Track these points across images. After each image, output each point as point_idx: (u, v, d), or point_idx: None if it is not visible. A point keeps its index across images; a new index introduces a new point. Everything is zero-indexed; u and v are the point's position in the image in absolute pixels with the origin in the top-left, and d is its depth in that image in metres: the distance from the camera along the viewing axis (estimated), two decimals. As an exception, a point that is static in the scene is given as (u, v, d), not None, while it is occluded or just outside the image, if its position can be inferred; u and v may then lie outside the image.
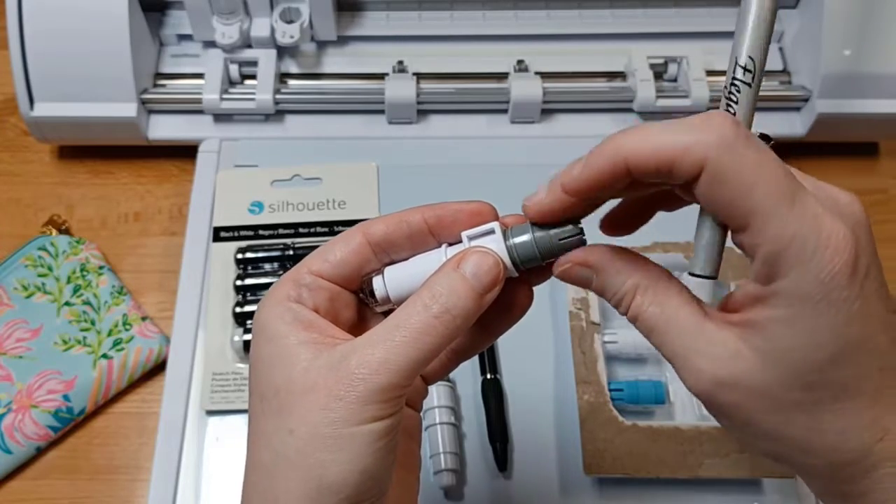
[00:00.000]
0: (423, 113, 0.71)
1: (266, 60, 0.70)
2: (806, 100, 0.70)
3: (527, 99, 0.69)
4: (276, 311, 0.33)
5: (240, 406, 0.58)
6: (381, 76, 0.70)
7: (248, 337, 0.58)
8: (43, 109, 0.67)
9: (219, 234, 0.64)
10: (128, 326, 0.62)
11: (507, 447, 0.56)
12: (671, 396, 0.57)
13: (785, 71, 0.72)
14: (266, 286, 0.61)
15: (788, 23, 0.73)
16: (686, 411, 0.57)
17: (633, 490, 0.55)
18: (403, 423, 0.33)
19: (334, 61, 0.73)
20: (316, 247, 0.35)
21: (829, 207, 0.28)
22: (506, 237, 0.33)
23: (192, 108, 0.69)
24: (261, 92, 0.68)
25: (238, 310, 0.60)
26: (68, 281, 0.63)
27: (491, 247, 0.32)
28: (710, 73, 0.69)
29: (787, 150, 0.70)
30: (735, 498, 0.55)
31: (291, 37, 0.69)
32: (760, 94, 0.31)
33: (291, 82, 0.71)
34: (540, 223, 0.33)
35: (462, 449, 0.56)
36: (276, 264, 0.62)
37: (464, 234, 0.33)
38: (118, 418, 0.61)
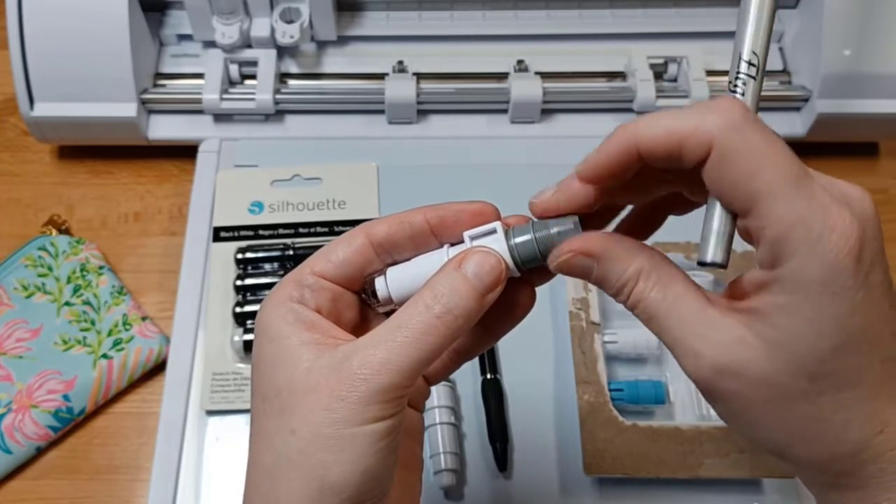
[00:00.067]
0: (423, 113, 0.71)
1: (266, 60, 0.70)
2: (806, 100, 0.70)
3: (527, 99, 0.69)
4: (278, 312, 0.33)
5: (240, 406, 0.58)
6: (381, 76, 0.70)
7: (248, 337, 0.58)
8: (43, 109, 0.67)
9: (219, 234, 0.64)
10: (128, 326, 0.62)
11: (507, 447, 0.56)
12: (671, 396, 0.57)
13: (785, 71, 0.72)
14: (266, 286, 0.61)
15: (788, 23, 0.73)
16: (686, 411, 0.57)
17: (633, 490, 0.55)
18: (405, 424, 0.33)
19: (334, 61, 0.73)
20: (316, 247, 0.35)
21: (837, 197, 0.28)
22: (508, 237, 0.33)
23: (192, 108, 0.69)
24: (261, 92, 0.68)
25: (238, 310, 0.60)
26: (68, 281, 0.63)
27: (493, 247, 0.32)
28: (710, 73, 0.69)
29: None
30: (735, 498, 0.55)
31: (291, 37, 0.69)
32: (760, 94, 0.31)
33: (291, 82, 0.71)
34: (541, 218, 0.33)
35: (462, 449, 0.56)
36: (276, 264, 0.62)
37: (466, 235, 0.33)
38: (118, 418, 0.61)
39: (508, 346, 0.59)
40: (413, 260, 0.34)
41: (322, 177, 0.67)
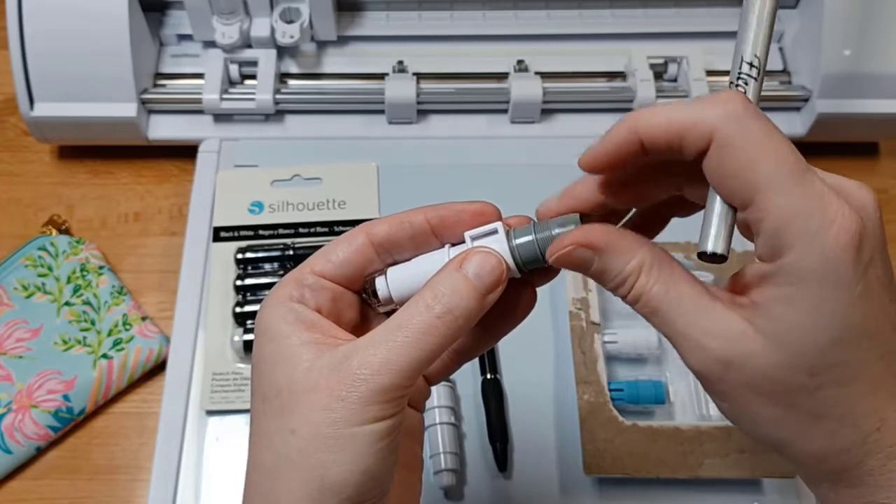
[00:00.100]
0: (423, 113, 0.71)
1: (266, 60, 0.70)
2: (806, 100, 0.70)
3: (527, 99, 0.69)
4: (278, 312, 0.33)
5: (240, 406, 0.58)
6: (381, 76, 0.70)
7: (248, 337, 0.58)
8: (43, 109, 0.67)
9: (219, 234, 0.64)
10: (128, 326, 0.62)
11: (507, 447, 0.56)
12: (671, 396, 0.57)
13: (785, 71, 0.73)
14: (266, 286, 0.61)
15: (788, 23, 0.73)
16: (686, 411, 0.57)
17: (633, 490, 0.55)
18: (405, 424, 0.33)
19: (334, 61, 0.73)
20: (316, 247, 0.35)
21: (837, 191, 0.28)
22: (509, 238, 0.33)
23: (192, 108, 0.69)
24: (261, 92, 0.68)
25: (238, 310, 0.60)
26: (68, 281, 0.63)
27: (494, 247, 0.32)
28: (710, 73, 0.69)
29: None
30: (735, 498, 0.55)
31: (291, 37, 0.69)
32: (760, 94, 0.31)
33: (291, 82, 0.71)
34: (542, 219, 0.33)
35: (462, 449, 0.56)
36: (276, 264, 0.62)
37: (467, 235, 0.33)
38: (118, 418, 0.61)
39: (508, 346, 0.59)
40: (414, 260, 0.34)
41: (322, 177, 0.67)
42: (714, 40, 0.72)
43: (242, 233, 0.64)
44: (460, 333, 0.31)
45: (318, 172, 0.67)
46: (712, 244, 0.30)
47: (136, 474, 0.59)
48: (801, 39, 0.71)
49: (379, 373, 0.29)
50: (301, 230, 0.64)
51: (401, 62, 0.71)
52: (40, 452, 0.60)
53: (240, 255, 0.62)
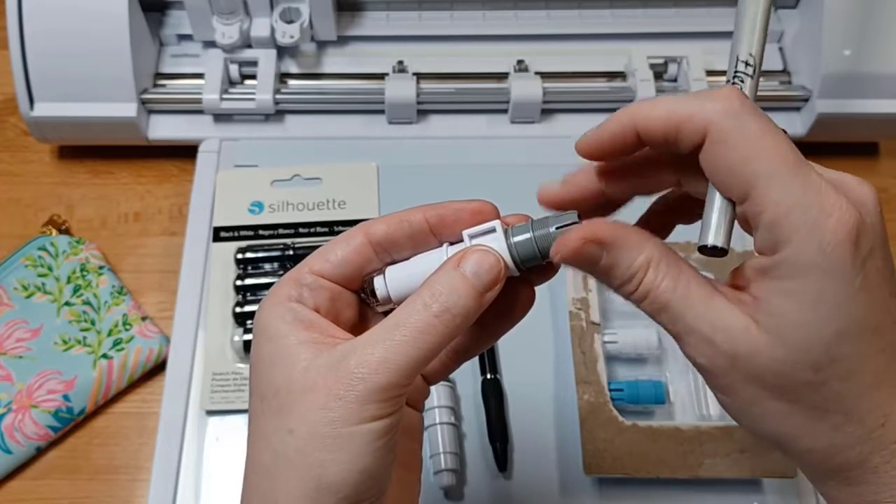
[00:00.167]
0: (423, 113, 0.71)
1: (266, 60, 0.70)
2: (806, 100, 0.70)
3: (527, 99, 0.69)
4: (276, 311, 0.33)
5: (240, 406, 0.58)
6: (381, 76, 0.70)
7: (248, 337, 0.58)
8: (43, 109, 0.67)
9: (219, 234, 0.64)
10: (128, 326, 0.62)
11: (507, 447, 0.56)
12: (671, 396, 0.57)
13: (785, 71, 0.72)
14: (266, 286, 0.61)
15: (788, 23, 0.73)
16: (686, 411, 0.57)
17: (633, 490, 0.55)
18: (404, 423, 0.33)
19: (334, 61, 0.73)
20: (316, 247, 0.35)
21: (835, 185, 0.28)
22: (507, 236, 0.32)
23: (192, 108, 0.69)
24: (261, 92, 0.68)
25: (238, 310, 0.60)
26: (68, 281, 0.63)
27: (492, 245, 0.32)
28: (710, 72, 0.69)
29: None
30: (735, 498, 0.55)
31: (291, 37, 0.69)
32: (760, 94, 0.32)
33: (291, 82, 0.71)
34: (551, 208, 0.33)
35: (462, 449, 0.56)
36: (276, 264, 0.62)
37: (465, 233, 0.33)
38: (118, 418, 0.61)
39: (508, 346, 0.60)
40: (412, 259, 0.34)
41: (322, 177, 0.67)
42: (714, 40, 0.72)
43: (242, 233, 0.64)
44: (458, 332, 0.31)
45: (318, 172, 0.67)
46: (713, 237, 0.30)
47: (136, 474, 0.59)
48: (801, 39, 0.71)
49: (377, 372, 0.29)
50: (301, 230, 0.64)
51: (401, 62, 0.71)
52: (40, 452, 0.60)
53: (240, 255, 0.62)
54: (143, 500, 0.58)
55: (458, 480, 0.55)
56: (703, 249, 0.30)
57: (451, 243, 0.34)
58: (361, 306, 0.35)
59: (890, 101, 0.68)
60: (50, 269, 0.64)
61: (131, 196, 0.71)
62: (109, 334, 0.62)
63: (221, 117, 0.70)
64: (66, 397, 0.59)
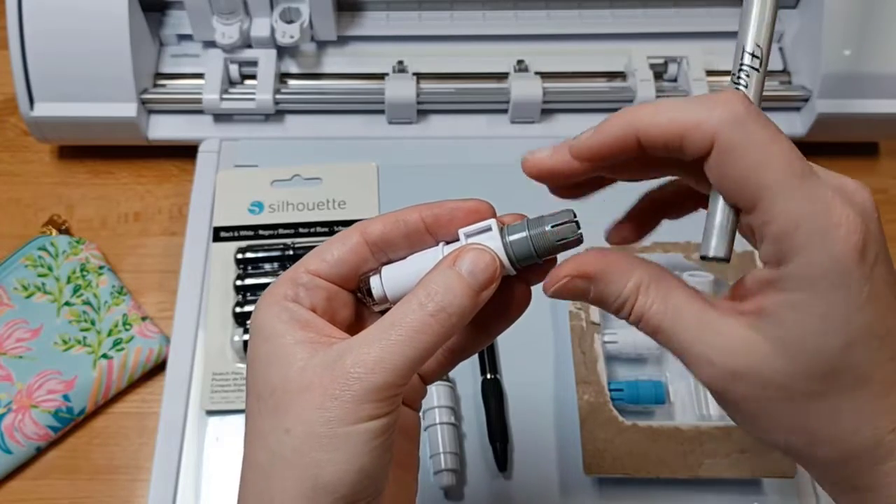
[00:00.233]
0: (423, 113, 0.71)
1: (266, 60, 0.70)
2: (806, 100, 0.70)
3: (527, 99, 0.69)
4: (272, 311, 0.33)
5: (240, 406, 0.58)
6: (381, 76, 0.70)
7: (248, 337, 0.58)
8: (43, 109, 0.67)
9: (219, 234, 0.64)
10: (128, 326, 0.62)
11: (507, 447, 0.56)
12: (671, 396, 0.57)
13: (785, 71, 0.72)
14: (266, 286, 0.61)
15: (788, 23, 0.73)
16: (686, 411, 0.57)
17: (633, 490, 0.55)
18: (401, 423, 0.33)
19: (334, 61, 0.73)
20: (316, 247, 0.35)
21: (839, 192, 0.28)
22: (503, 234, 0.32)
23: (192, 108, 0.69)
24: (261, 92, 0.68)
25: (238, 310, 0.60)
26: (68, 281, 0.64)
27: (488, 244, 0.32)
28: (710, 73, 0.69)
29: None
30: (735, 498, 0.55)
31: (291, 37, 0.69)
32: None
33: (291, 82, 0.71)
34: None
35: (462, 449, 0.56)
36: (276, 264, 0.62)
37: (461, 232, 0.33)
38: (118, 418, 0.61)
39: (508, 346, 0.60)
40: (408, 258, 0.34)
41: (322, 177, 0.67)
42: (714, 40, 0.72)
43: (242, 233, 0.64)
44: (454, 331, 0.31)
45: (318, 172, 0.67)
46: (714, 249, 0.30)
47: (136, 474, 0.59)
48: (801, 39, 0.71)
49: (373, 371, 0.29)
50: (301, 230, 0.64)
51: (401, 62, 0.71)
52: (40, 452, 0.60)
53: (240, 255, 0.62)
54: (143, 500, 0.58)
55: (458, 480, 0.55)
56: (706, 258, 0.30)
57: (448, 242, 0.34)
58: (358, 306, 0.35)
59: (890, 101, 0.68)
60: (50, 269, 0.64)
61: (131, 196, 0.71)
62: (109, 334, 0.62)
63: (221, 117, 0.70)
64: (66, 397, 0.59)
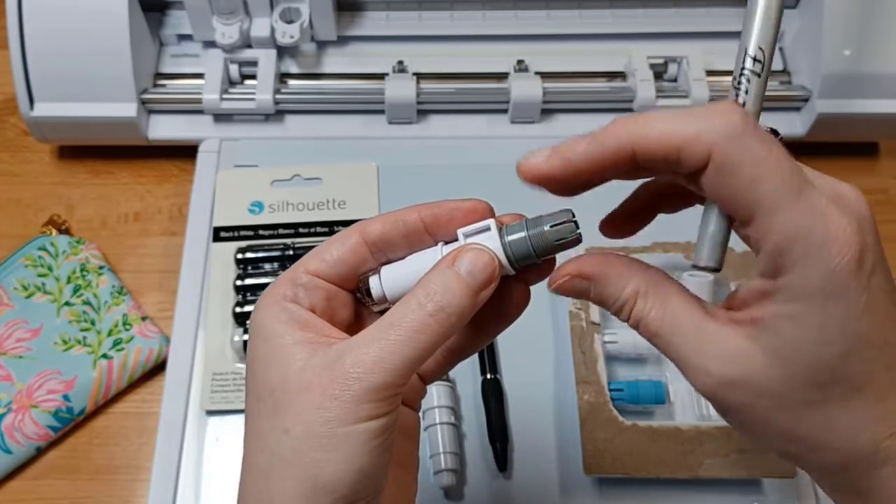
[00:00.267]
0: (423, 113, 0.71)
1: (266, 60, 0.70)
2: (806, 100, 0.70)
3: (527, 99, 0.69)
4: (272, 311, 0.33)
5: (240, 406, 0.58)
6: (381, 76, 0.70)
7: (248, 337, 0.58)
8: (43, 109, 0.67)
9: (219, 234, 0.64)
10: (128, 326, 0.62)
11: (507, 447, 0.56)
12: (671, 396, 0.57)
13: (785, 71, 0.72)
14: (266, 286, 0.61)
15: (788, 23, 0.73)
16: (686, 411, 0.57)
17: (633, 490, 0.55)
18: (401, 423, 0.33)
19: (334, 61, 0.73)
20: (315, 247, 0.35)
21: (835, 201, 0.28)
22: (501, 234, 0.32)
23: (192, 108, 0.69)
24: (261, 92, 0.68)
25: (238, 310, 0.60)
26: (68, 281, 0.64)
27: (486, 244, 0.32)
28: (710, 73, 0.69)
29: (787, 149, 0.70)
30: (735, 498, 0.55)
31: (291, 37, 0.69)
32: (765, 92, 0.31)
33: (291, 82, 0.71)
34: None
35: (462, 449, 0.56)
36: (276, 264, 0.62)
37: (459, 232, 0.33)
38: (118, 418, 0.61)
39: (508, 346, 0.60)
40: (407, 258, 0.34)
41: (322, 177, 0.67)
42: (714, 40, 0.72)
43: (242, 233, 0.64)
44: (453, 331, 0.31)
45: (318, 172, 0.67)
46: (706, 259, 0.30)
47: (136, 474, 0.59)
48: (801, 39, 0.71)
49: (372, 371, 0.29)
50: (301, 230, 0.64)
51: (401, 62, 0.71)
52: (40, 452, 0.60)
53: (240, 255, 0.62)
54: (143, 500, 0.58)
55: (458, 480, 0.55)
56: (697, 268, 0.30)
57: (446, 242, 0.34)
58: (357, 306, 0.35)
59: (890, 101, 0.68)
60: (50, 269, 0.64)
61: (131, 196, 0.71)
62: (109, 334, 0.62)
63: (221, 117, 0.70)
64: (66, 397, 0.59)
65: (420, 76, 0.70)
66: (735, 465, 0.53)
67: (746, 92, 0.30)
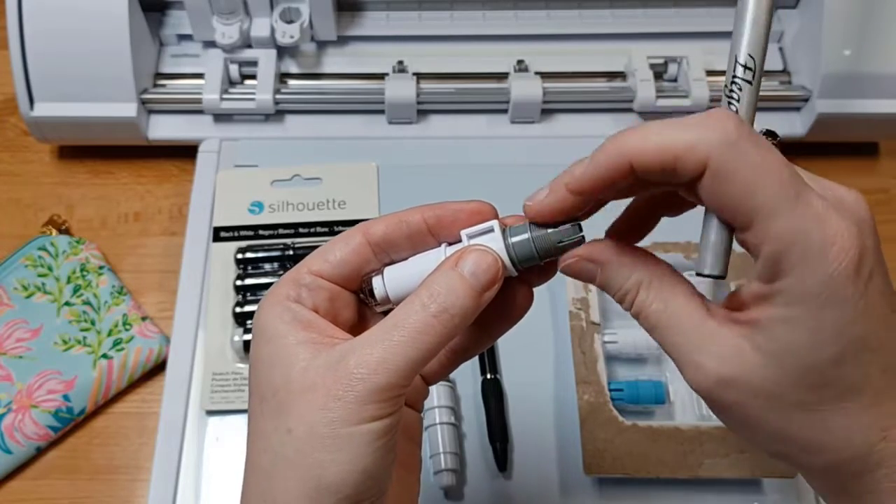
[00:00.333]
0: (423, 113, 0.71)
1: (266, 60, 0.70)
2: (806, 100, 0.70)
3: (527, 99, 0.69)
4: (275, 311, 0.33)
5: (240, 406, 0.58)
6: (381, 76, 0.70)
7: (248, 337, 0.58)
8: (43, 109, 0.67)
9: (219, 234, 0.64)
10: (128, 326, 0.62)
11: (507, 447, 0.56)
12: (671, 396, 0.57)
13: (785, 71, 0.72)
14: (266, 286, 0.61)
15: (788, 23, 0.73)
16: (686, 411, 0.57)
17: (633, 490, 0.55)
18: (404, 423, 0.33)
19: (334, 61, 0.73)
20: (316, 247, 0.35)
21: (834, 205, 0.28)
22: (504, 236, 0.33)
23: (192, 108, 0.69)
24: (261, 92, 0.68)
25: (238, 310, 0.60)
26: (68, 281, 0.63)
27: (490, 245, 0.32)
28: (710, 73, 0.69)
29: (787, 150, 0.69)
30: (735, 498, 0.55)
31: (291, 37, 0.69)
32: (760, 94, 0.31)
33: (291, 82, 0.71)
34: (540, 223, 0.33)
35: (462, 449, 0.56)
36: (276, 264, 0.62)
37: (463, 233, 0.33)
38: (118, 418, 0.61)
39: (508, 346, 0.60)
40: (410, 259, 0.34)
41: (322, 177, 0.67)
42: (714, 40, 0.72)
43: (242, 233, 0.64)
44: (456, 332, 0.31)
45: (318, 172, 0.67)
46: (710, 267, 0.30)
47: (136, 474, 0.59)
48: (801, 39, 0.71)
49: (375, 372, 0.29)
50: (301, 230, 0.64)
51: (401, 62, 0.71)
52: (40, 452, 0.60)
53: (240, 255, 0.62)
54: (143, 500, 0.58)
55: (458, 480, 0.55)
56: (701, 275, 0.30)
57: (450, 243, 0.34)
58: (360, 306, 0.36)
59: (890, 101, 0.68)
60: (50, 269, 0.64)
61: (131, 196, 0.71)
62: (109, 334, 0.62)
63: (221, 117, 0.70)
64: (66, 397, 0.59)
65: (420, 76, 0.70)
66: (735, 465, 0.53)
67: (739, 100, 0.30)
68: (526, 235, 0.32)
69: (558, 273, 0.34)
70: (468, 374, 0.59)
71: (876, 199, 0.70)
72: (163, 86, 0.70)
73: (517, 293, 0.35)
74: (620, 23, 0.74)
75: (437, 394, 0.56)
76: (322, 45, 0.73)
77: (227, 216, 0.65)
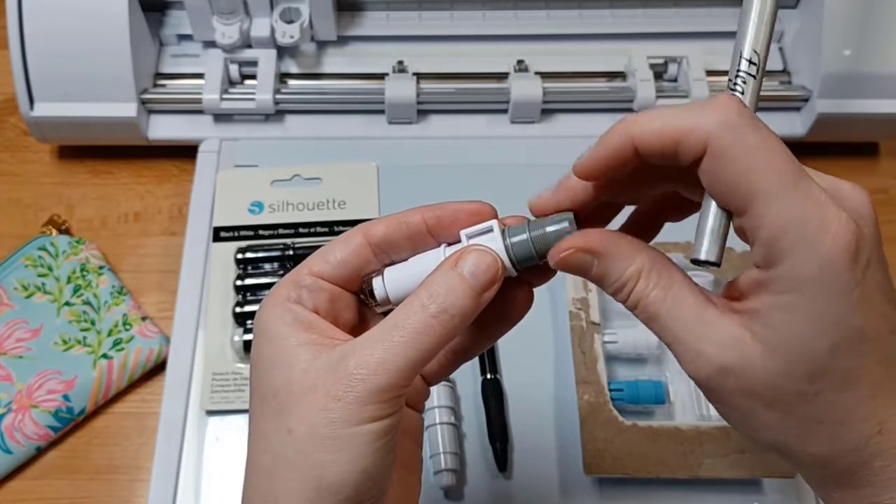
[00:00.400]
0: (423, 113, 0.71)
1: (266, 60, 0.70)
2: (806, 100, 0.70)
3: (527, 99, 0.69)
4: (276, 313, 0.33)
5: (240, 406, 0.58)
6: (381, 76, 0.70)
7: (248, 337, 0.58)
8: (43, 109, 0.67)
9: (219, 234, 0.64)
10: (128, 326, 0.62)
11: (507, 447, 0.56)
12: (671, 396, 0.57)
13: (785, 71, 0.72)
14: (266, 286, 0.61)
15: (788, 23, 0.73)
16: (686, 411, 0.57)
17: (633, 490, 0.55)
18: (404, 424, 0.33)
19: (334, 61, 0.73)
20: (316, 247, 0.35)
21: (834, 196, 0.28)
22: (504, 236, 0.33)
23: (192, 108, 0.69)
24: (261, 92, 0.68)
25: (238, 310, 0.60)
26: (68, 281, 0.63)
27: (489, 245, 0.32)
28: (710, 73, 0.69)
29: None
30: (735, 498, 0.55)
31: (291, 37, 0.69)
32: (760, 94, 0.31)
33: (291, 82, 0.71)
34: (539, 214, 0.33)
35: (462, 449, 0.56)
36: (276, 264, 0.62)
37: (462, 233, 0.33)
38: (118, 418, 0.61)
39: (508, 346, 0.60)
40: (410, 260, 0.34)
41: (322, 177, 0.67)
42: (714, 40, 0.72)
43: (242, 233, 0.64)
44: (456, 332, 0.31)
45: (318, 172, 0.67)
46: (705, 252, 0.30)
47: (136, 474, 0.59)
48: (801, 39, 0.71)
49: (375, 373, 0.29)
50: (301, 230, 0.64)
51: (401, 62, 0.71)
52: (40, 452, 0.60)
53: (240, 255, 0.62)
54: (143, 500, 0.58)
55: (458, 480, 0.55)
56: (696, 262, 0.30)
57: (449, 244, 0.34)
58: (361, 307, 0.36)
59: (890, 101, 0.68)
60: (50, 269, 0.64)
61: (131, 196, 0.71)
62: (109, 334, 0.62)
63: (221, 117, 0.70)
64: (66, 397, 0.59)
65: (420, 76, 0.70)
66: (735, 465, 0.53)
67: (742, 93, 0.31)
68: (524, 235, 0.32)
69: (558, 273, 0.34)
70: (468, 374, 0.59)
71: (876, 199, 0.68)
72: (163, 86, 0.70)
73: (517, 294, 0.35)
74: (620, 23, 0.74)
75: (437, 394, 0.56)
76: (322, 45, 0.73)
77: (227, 216, 0.65)
